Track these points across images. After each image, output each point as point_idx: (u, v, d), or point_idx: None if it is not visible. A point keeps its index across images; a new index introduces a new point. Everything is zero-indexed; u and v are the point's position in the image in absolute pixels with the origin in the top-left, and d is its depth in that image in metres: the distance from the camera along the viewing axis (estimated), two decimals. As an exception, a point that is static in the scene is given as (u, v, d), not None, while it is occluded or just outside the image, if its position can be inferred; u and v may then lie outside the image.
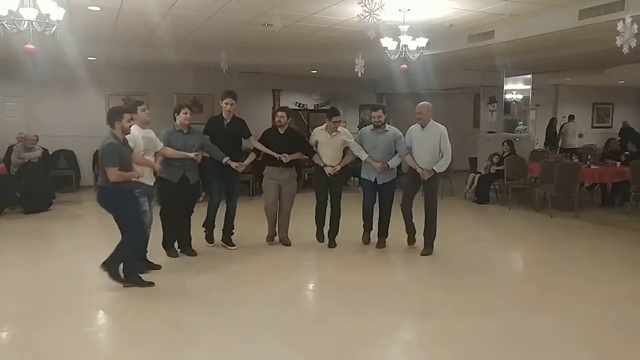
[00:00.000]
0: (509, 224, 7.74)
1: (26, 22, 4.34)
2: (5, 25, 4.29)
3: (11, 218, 7.51)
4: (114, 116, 4.23)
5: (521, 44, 7.56)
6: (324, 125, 5.81)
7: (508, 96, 11.36)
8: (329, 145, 5.73)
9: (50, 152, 10.00)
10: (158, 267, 4.88)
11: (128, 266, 4.37)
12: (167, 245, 5.37)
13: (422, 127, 5.54)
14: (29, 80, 9.87)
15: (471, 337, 3.51)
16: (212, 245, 5.78)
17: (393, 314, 3.94)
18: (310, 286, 4.96)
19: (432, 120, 5.52)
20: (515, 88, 11.35)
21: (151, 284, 4.41)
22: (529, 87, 11.11)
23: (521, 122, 11.29)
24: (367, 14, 4.75)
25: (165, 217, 5.25)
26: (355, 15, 5.78)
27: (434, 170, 5.46)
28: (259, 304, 4.08)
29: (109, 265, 4.30)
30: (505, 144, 9.39)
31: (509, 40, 7.36)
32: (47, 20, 4.41)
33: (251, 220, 6.72)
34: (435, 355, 3.31)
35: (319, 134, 5.83)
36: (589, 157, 9.03)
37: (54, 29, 4.52)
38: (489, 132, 11.70)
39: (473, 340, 3.46)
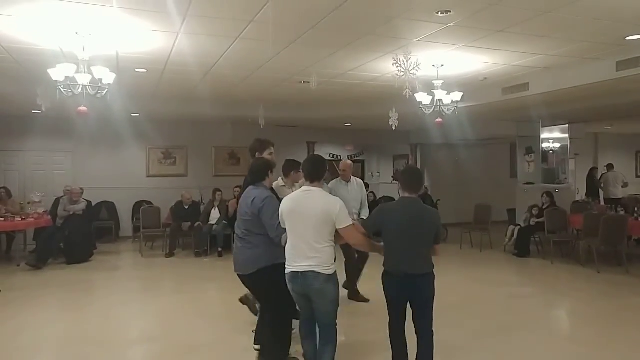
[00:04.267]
0: (553, 279, 7.41)
1: (80, 86, 4.64)
2: (62, 89, 4.59)
3: (54, 269, 7.73)
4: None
5: (557, 96, 7.52)
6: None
7: (545, 145, 11.20)
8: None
9: (93, 204, 10.36)
10: None
11: None
12: None
13: (346, 182, 5.75)
14: (76, 137, 10.40)
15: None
16: None
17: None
18: None
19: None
20: (553, 137, 11.19)
21: None
22: (566, 135, 10.95)
23: (563, 174, 11.04)
24: (402, 73, 4.85)
25: None
26: (389, 72, 5.90)
27: (362, 218, 5.21)
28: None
29: None
30: (545, 195, 9.16)
31: (545, 92, 7.34)
32: (99, 85, 4.70)
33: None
34: None
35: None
36: (636, 209, 8.68)
37: (105, 91, 4.80)
38: (526, 184, 11.46)
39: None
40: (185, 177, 11.75)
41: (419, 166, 14.20)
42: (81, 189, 9.00)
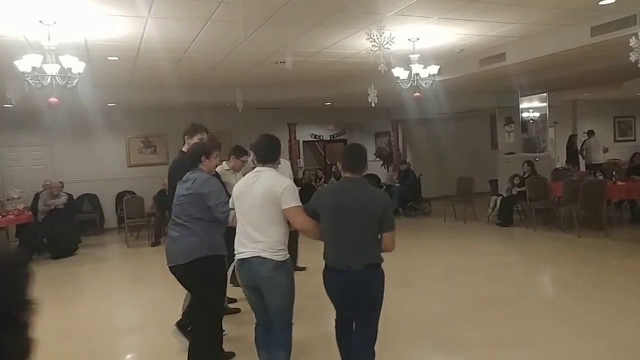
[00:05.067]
0: (535, 246, 7.56)
1: (49, 77, 4.52)
2: (30, 81, 4.47)
3: (39, 264, 7.63)
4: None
5: (534, 64, 7.54)
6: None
7: (525, 115, 11.28)
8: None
9: (75, 197, 10.22)
10: None
11: None
12: None
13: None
14: (52, 130, 10.19)
15: None
16: None
17: (418, 346, 3.84)
18: None
19: None
20: (532, 107, 11.27)
21: None
22: (545, 104, 11.03)
23: (543, 142, 11.14)
24: (376, 48, 4.81)
25: None
26: (365, 48, 5.86)
27: None
28: None
29: None
30: (526, 164, 9.27)
31: (521, 62, 7.36)
32: (68, 74, 4.58)
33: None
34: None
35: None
36: (614, 173, 8.84)
37: (75, 81, 4.69)
38: (507, 154, 11.58)
39: None
40: (167, 165, 11.58)
41: (400, 142, 14.27)
42: (61, 182, 8.88)
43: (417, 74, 6.57)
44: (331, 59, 7.47)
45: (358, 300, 2.83)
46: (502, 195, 9.60)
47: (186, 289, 3.67)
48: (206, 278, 3.28)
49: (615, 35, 5.71)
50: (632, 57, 4.56)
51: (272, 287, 2.92)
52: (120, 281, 6.63)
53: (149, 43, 5.96)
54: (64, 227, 8.20)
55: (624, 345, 3.74)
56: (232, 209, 3.14)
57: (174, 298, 5.58)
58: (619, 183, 8.32)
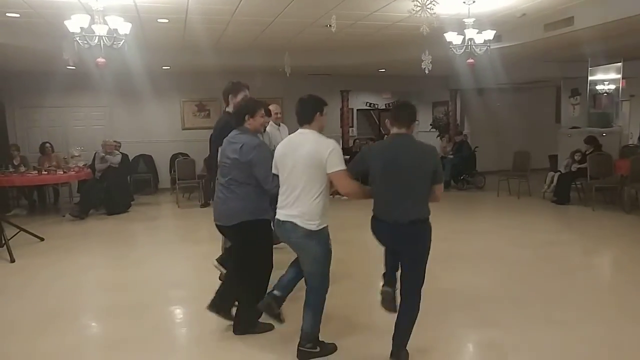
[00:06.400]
0: (592, 226, 7.08)
1: (97, 37, 4.63)
2: (79, 41, 4.61)
3: (96, 219, 8.12)
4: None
5: (606, 30, 6.88)
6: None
7: (594, 87, 10.44)
8: None
9: (131, 158, 10.66)
10: None
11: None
12: None
13: (278, 126, 5.28)
14: (111, 92, 10.61)
15: (536, 350, 3.25)
16: None
17: (452, 326, 3.72)
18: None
19: None
20: (603, 78, 10.39)
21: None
22: (619, 76, 10.13)
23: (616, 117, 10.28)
24: (418, 8, 4.53)
25: None
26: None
27: None
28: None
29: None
30: (588, 139, 8.64)
31: (592, 26, 6.73)
32: (114, 35, 4.68)
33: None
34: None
35: None
36: None
37: (122, 42, 4.78)
38: (572, 128, 10.83)
39: (538, 353, 3.20)
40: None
41: (458, 113, 13.73)
42: (116, 142, 9.26)
43: (471, 39, 6.21)
44: (382, 22, 7.19)
45: (405, 251, 2.94)
46: (560, 171, 9.04)
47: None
48: (249, 241, 3.33)
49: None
50: None
51: (303, 253, 3.00)
52: (167, 240, 6.88)
53: (197, 4, 5.97)
54: (119, 185, 8.61)
55: None
56: (276, 174, 3.12)
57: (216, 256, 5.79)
58: None
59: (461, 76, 11.29)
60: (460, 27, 6.33)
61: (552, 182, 8.88)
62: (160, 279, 5.01)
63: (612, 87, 10.28)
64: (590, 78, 10.30)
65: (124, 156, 9.52)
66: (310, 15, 6.72)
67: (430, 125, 13.83)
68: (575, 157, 8.62)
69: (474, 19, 6.14)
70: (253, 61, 9.62)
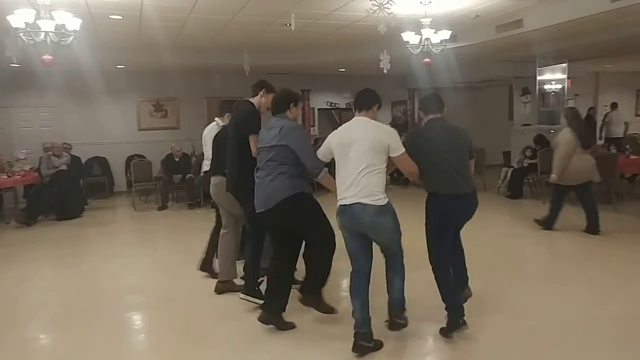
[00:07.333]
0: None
1: (43, 33, 4.42)
2: (23, 37, 4.39)
3: (45, 225, 7.75)
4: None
5: (553, 31, 7.18)
6: None
7: (542, 86, 10.88)
8: None
9: (84, 160, 10.27)
10: None
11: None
12: None
13: None
14: (61, 91, 10.19)
15: (489, 336, 3.36)
16: None
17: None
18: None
19: None
20: (551, 78, 10.84)
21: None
22: (564, 76, 10.60)
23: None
24: (376, 7, 4.58)
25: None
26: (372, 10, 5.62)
27: None
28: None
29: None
30: (537, 137, 9.01)
31: (539, 28, 7.02)
32: (62, 31, 4.48)
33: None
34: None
35: None
36: (627, 147, 8.55)
37: (70, 39, 4.59)
38: (523, 125, 11.25)
39: (492, 339, 3.31)
40: (178, 129, 11.59)
41: (416, 111, 13.98)
42: (65, 143, 8.89)
43: (427, 39, 6.33)
44: (341, 21, 7.23)
45: (467, 217, 3.41)
46: (513, 167, 9.38)
47: (282, 234, 3.58)
48: (298, 215, 3.37)
49: (637, 0, 5.38)
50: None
51: (377, 230, 3.12)
52: (123, 245, 6.66)
53: (152, 0, 5.81)
54: (70, 189, 8.23)
55: (597, 310, 3.74)
56: (325, 162, 3.31)
57: (174, 260, 5.67)
58: (632, 157, 8.05)
59: (418, 76, 11.48)
60: (417, 27, 6.45)
61: (505, 177, 9.20)
62: (115, 285, 4.84)
63: (559, 86, 10.75)
64: (538, 78, 10.75)
65: (76, 159, 9.16)
66: (270, 13, 6.67)
67: (390, 123, 14.01)
68: (527, 153, 8.96)
69: (430, 19, 6.27)
70: (212, 60, 9.48)
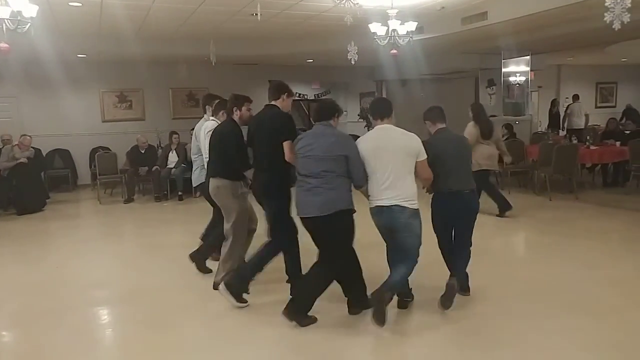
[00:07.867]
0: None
1: (-2, 20, 4.25)
2: (-24, 24, 4.20)
3: (3, 220, 7.48)
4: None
5: (516, 24, 7.36)
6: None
7: (511, 78, 11.13)
8: None
9: (45, 153, 9.96)
10: None
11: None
12: None
13: None
14: (19, 80, 9.82)
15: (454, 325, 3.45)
16: None
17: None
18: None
19: None
20: (515, 70, 11.11)
21: None
22: (528, 68, 10.87)
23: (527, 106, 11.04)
24: (342, -2, 4.59)
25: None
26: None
27: None
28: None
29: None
30: (504, 127, 9.21)
31: (503, 21, 7.17)
32: (18, 18, 4.31)
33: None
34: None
35: None
36: (588, 137, 8.85)
37: (27, 26, 4.42)
38: (490, 116, 11.44)
39: (452, 328, 3.40)
40: (143, 120, 11.33)
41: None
42: (29, 136, 8.58)
43: (394, 30, 6.37)
44: (308, 12, 7.19)
45: (470, 214, 3.78)
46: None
47: (315, 240, 3.57)
48: (343, 229, 3.45)
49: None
50: (607, 18, 4.38)
51: (409, 231, 3.44)
52: (87, 239, 6.49)
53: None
54: (30, 182, 7.94)
55: (565, 297, 3.86)
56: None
57: (142, 255, 5.57)
58: (592, 147, 8.33)
59: (386, 67, 11.59)
60: (384, 19, 6.47)
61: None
62: (81, 279, 4.74)
63: (523, 78, 11.04)
64: (503, 70, 11.00)
65: (37, 151, 8.86)
66: (235, 3, 6.57)
67: (358, 115, 14.10)
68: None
69: (397, 11, 6.30)
70: (177, 50, 9.29)
